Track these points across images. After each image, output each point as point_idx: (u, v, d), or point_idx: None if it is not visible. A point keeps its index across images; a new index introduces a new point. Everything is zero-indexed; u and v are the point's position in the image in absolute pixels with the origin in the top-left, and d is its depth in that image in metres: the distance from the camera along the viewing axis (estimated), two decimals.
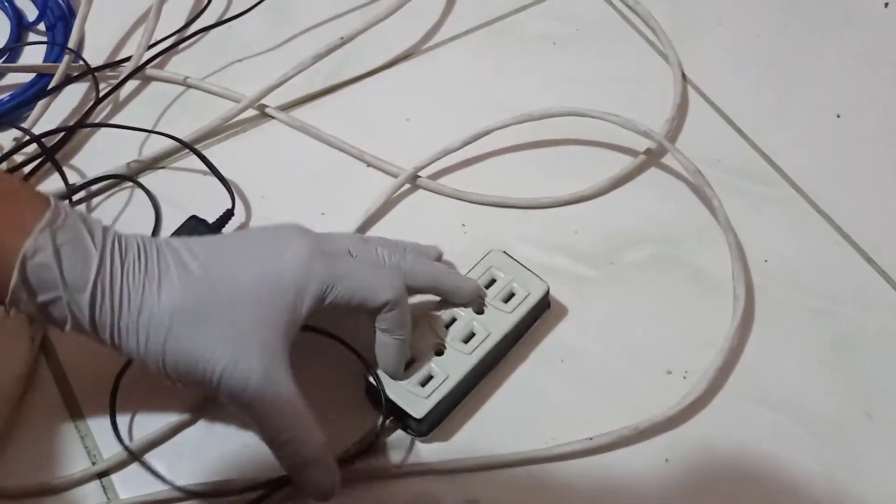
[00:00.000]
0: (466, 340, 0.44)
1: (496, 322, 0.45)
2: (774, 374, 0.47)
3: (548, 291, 0.47)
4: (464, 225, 0.51)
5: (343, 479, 0.40)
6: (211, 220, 0.49)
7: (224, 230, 0.49)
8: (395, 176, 0.53)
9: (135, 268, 0.37)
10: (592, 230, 0.51)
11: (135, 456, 0.43)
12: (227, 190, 0.50)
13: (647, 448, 0.44)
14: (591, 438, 0.44)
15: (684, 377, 0.46)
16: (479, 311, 0.45)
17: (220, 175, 0.51)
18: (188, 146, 0.52)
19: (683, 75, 0.57)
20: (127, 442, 0.43)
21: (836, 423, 0.45)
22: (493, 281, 0.46)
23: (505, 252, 0.47)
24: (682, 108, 0.56)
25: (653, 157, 0.54)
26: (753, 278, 0.49)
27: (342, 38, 0.56)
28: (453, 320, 0.45)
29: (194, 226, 0.48)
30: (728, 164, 0.54)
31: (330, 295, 0.39)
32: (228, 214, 0.49)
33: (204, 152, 0.52)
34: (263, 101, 0.55)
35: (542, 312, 0.48)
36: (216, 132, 0.55)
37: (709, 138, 0.55)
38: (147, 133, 0.54)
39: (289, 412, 0.38)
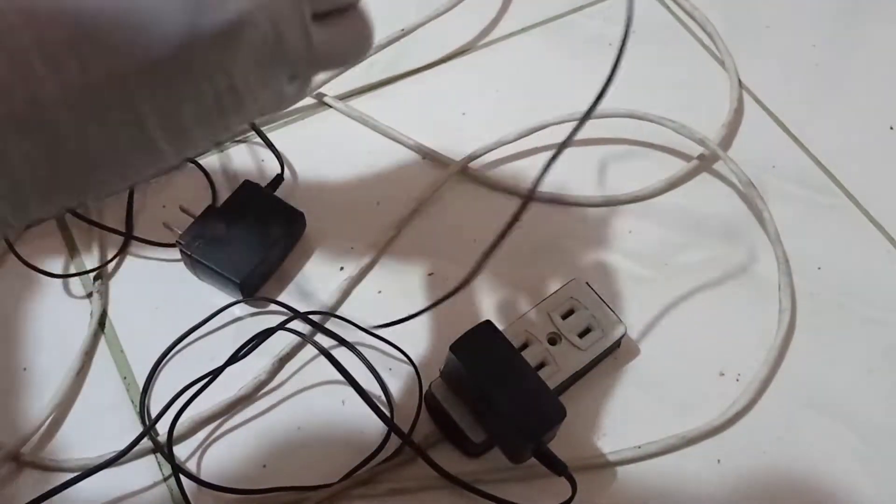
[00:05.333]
0: (537, 369, 0.43)
1: (568, 358, 0.44)
2: (826, 380, 0.47)
3: (624, 334, 0.45)
4: (518, 220, 0.51)
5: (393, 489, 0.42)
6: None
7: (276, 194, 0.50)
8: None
9: None
10: (646, 231, 0.52)
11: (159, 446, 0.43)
12: (275, 154, 0.52)
13: (699, 449, 0.44)
14: (639, 447, 0.44)
15: (737, 379, 0.46)
16: (553, 342, 0.45)
17: (268, 141, 0.52)
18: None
19: (740, 81, 0.58)
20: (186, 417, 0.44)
21: (887, 429, 0.45)
22: (571, 311, 0.46)
23: (588, 284, 0.46)
24: (737, 114, 0.56)
25: (706, 163, 0.54)
26: (806, 285, 0.50)
27: (402, 29, 0.56)
28: (525, 345, 0.44)
29: (249, 189, 0.49)
30: (782, 170, 0.54)
31: None
32: (279, 179, 0.51)
33: None
34: (321, 90, 0.56)
35: (613, 352, 0.46)
36: (274, 119, 0.55)
37: (763, 144, 0.55)
38: None
39: None
